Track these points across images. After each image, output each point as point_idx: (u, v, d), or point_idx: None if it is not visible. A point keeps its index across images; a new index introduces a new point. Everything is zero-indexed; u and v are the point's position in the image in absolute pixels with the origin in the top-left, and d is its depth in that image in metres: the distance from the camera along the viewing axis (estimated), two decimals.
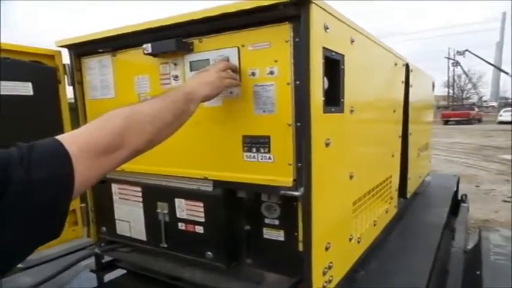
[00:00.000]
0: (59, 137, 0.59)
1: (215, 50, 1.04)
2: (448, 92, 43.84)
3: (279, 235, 1.12)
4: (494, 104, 39.86)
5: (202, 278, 1.20)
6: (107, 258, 1.51)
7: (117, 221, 1.40)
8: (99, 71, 1.32)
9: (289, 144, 0.96)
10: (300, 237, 1.06)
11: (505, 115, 24.25)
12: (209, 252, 1.16)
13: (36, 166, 0.52)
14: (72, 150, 0.57)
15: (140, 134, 0.71)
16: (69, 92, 1.46)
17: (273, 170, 0.99)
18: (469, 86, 46.61)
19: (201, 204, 1.15)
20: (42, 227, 0.55)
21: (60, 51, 1.41)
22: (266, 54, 0.95)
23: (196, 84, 0.89)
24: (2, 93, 1.25)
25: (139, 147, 0.72)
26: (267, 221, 1.13)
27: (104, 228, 1.45)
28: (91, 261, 1.51)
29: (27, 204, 0.51)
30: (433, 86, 2.80)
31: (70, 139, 0.59)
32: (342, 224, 1.17)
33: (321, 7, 0.89)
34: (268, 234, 1.13)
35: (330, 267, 1.05)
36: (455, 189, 2.90)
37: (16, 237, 0.51)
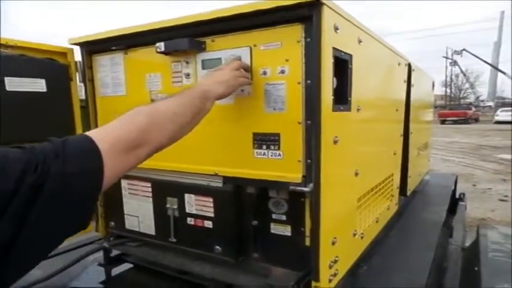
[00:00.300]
0: (88, 133, 0.62)
1: (227, 49, 1.06)
2: (446, 92, 44.04)
3: (286, 230, 1.15)
4: (491, 103, 40.03)
5: (211, 271, 1.23)
6: (114, 252, 1.54)
7: (126, 216, 1.42)
8: (111, 69, 1.35)
9: (299, 142, 0.99)
10: (307, 233, 1.09)
11: (501, 115, 24.42)
12: (217, 247, 1.19)
13: (71, 160, 0.55)
14: (102, 146, 0.60)
15: (162, 131, 0.74)
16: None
17: (283, 167, 1.02)
18: (467, 85, 46.87)
19: (211, 200, 1.17)
20: (73, 218, 0.57)
21: (72, 49, 1.44)
22: (278, 53, 0.98)
23: (211, 83, 0.92)
24: (18, 89, 1.28)
25: (161, 144, 0.75)
26: (274, 216, 1.15)
27: (113, 223, 1.48)
28: (99, 255, 1.54)
29: (62, 196, 0.53)
30: (433, 86, 2.84)
31: (99, 135, 0.62)
32: (347, 219, 1.20)
33: (331, 8, 0.92)
34: (275, 229, 1.16)
35: (335, 261, 1.08)
36: (453, 187, 2.94)
37: (50, 227, 0.54)
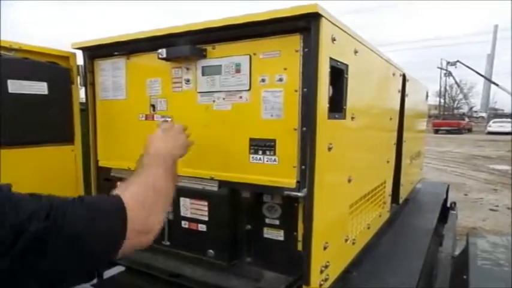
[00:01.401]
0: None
1: (228, 57, 1.09)
2: (440, 102, 44.59)
3: (279, 235, 1.17)
4: (484, 114, 40.56)
5: (203, 275, 1.24)
6: None
7: None
8: (112, 73, 1.37)
9: (294, 148, 1.01)
10: (299, 237, 1.11)
11: (494, 126, 24.78)
12: (211, 250, 1.20)
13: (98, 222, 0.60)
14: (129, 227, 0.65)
15: (161, 213, 0.77)
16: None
17: (278, 172, 1.04)
18: (460, 96, 47.46)
19: (206, 204, 1.19)
20: (85, 273, 0.62)
21: (74, 53, 1.46)
22: (276, 62, 1.01)
23: (175, 147, 0.95)
24: (20, 91, 1.30)
25: (161, 223, 0.76)
26: (267, 221, 1.18)
27: None
28: None
29: (86, 252, 0.58)
30: (427, 95, 2.89)
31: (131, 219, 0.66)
32: (339, 225, 1.22)
33: (329, 20, 0.95)
34: (269, 233, 1.18)
35: (326, 266, 1.10)
36: (444, 196, 2.98)
37: (69, 280, 0.58)
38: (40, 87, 1.33)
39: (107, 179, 1.44)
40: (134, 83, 1.33)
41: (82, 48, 1.41)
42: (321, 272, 1.07)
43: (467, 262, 1.71)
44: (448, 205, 3.05)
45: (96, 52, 1.40)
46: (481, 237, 2.19)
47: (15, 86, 1.28)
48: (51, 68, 1.39)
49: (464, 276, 1.59)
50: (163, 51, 1.12)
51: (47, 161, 1.42)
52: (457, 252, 2.26)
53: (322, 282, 1.08)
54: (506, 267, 1.63)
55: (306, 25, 0.93)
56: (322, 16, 0.91)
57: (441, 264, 2.13)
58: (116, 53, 1.33)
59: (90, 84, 1.43)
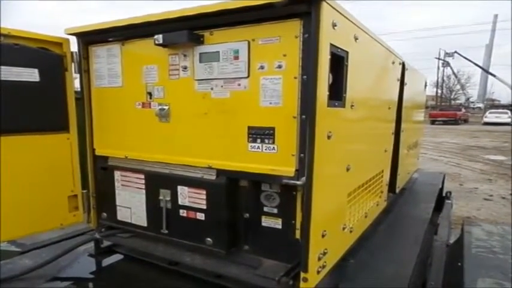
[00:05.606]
0: None
1: (226, 43, 1.07)
2: (437, 92, 44.55)
3: (277, 223, 1.17)
4: (481, 105, 40.61)
5: (202, 263, 1.24)
6: (105, 244, 1.54)
7: (118, 207, 1.42)
8: (107, 60, 1.34)
9: (293, 136, 1.00)
10: (297, 225, 1.11)
11: (490, 116, 24.90)
12: (209, 239, 1.20)
13: None
14: None
15: None
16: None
17: (277, 160, 1.04)
18: (458, 86, 47.41)
19: (204, 192, 1.19)
20: None
21: (68, 39, 1.42)
22: (275, 48, 0.99)
23: None
24: (9, 78, 1.27)
25: None
26: (265, 209, 1.17)
27: (105, 214, 1.48)
28: (90, 246, 1.53)
29: None
30: (426, 85, 2.88)
31: None
32: (337, 213, 1.22)
33: (330, 5, 0.93)
34: (267, 222, 1.18)
35: (324, 254, 1.11)
36: (440, 186, 3.01)
37: None
38: (31, 74, 1.29)
39: (104, 168, 1.43)
40: (130, 70, 1.30)
41: (76, 34, 1.37)
42: (319, 259, 1.07)
43: (462, 250, 1.73)
44: (444, 194, 3.08)
45: (90, 38, 1.36)
46: (476, 225, 2.21)
47: (3, 73, 1.24)
48: (43, 54, 1.35)
49: (459, 263, 1.61)
50: (159, 37, 1.10)
51: (41, 149, 1.40)
52: (451, 241, 2.29)
53: (320, 269, 1.09)
54: (500, 255, 1.65)
55: (306, 9, 0.91)
56: (323, 0, 0.89)
57: (436, 251, 2.15)
58: (110, 39, 1.30)
59: (84, 71, 1.40)
